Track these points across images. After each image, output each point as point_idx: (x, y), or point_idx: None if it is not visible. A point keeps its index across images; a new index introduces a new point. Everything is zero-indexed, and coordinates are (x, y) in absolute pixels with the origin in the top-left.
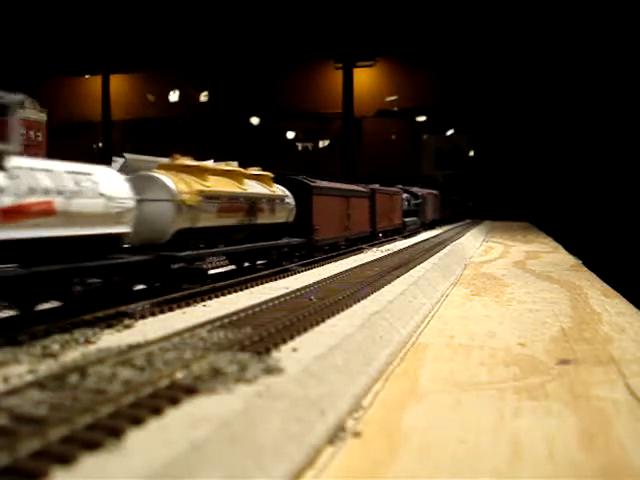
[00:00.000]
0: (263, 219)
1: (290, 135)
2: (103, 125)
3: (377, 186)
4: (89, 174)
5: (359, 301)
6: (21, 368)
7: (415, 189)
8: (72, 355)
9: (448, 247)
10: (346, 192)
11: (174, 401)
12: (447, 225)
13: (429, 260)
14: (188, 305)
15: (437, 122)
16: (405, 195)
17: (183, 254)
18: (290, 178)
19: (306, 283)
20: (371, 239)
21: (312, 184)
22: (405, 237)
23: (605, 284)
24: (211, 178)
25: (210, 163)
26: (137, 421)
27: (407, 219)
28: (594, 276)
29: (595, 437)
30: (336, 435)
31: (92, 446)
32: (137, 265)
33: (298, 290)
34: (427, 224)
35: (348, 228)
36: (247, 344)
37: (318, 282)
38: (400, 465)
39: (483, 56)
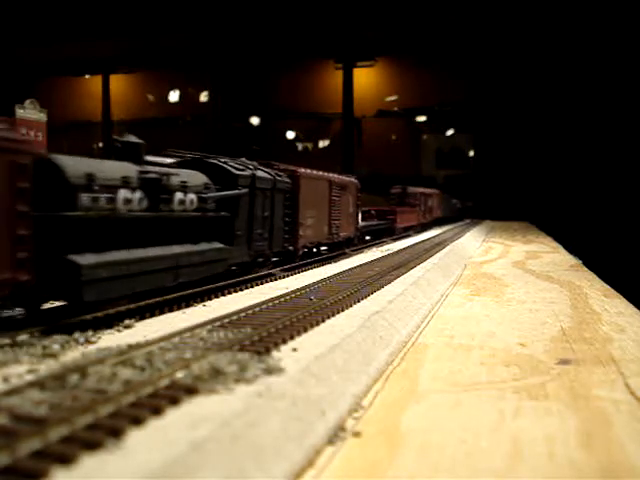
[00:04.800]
0: None
1: (290, 135)
2: (103, 125)
3: None
4: None
5: (359, 301)
6: (21, 368)
7: (236, 160)
8: (72, 355)
9: (448, 247)
10: None
11: (174, 401)
12: (446, 225)
13: (429, 260)
14: (188, 305)
15: (437, 122)
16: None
17: None
18: None
19: (306, 283)
20: None
21: None
22: (403, 237)
23: (605, 284)
24: None
25: None
26: (137, 421)
27: (101, 258)
28: (594, 276)
29: (595, 437)
30: (336, 435)
31: (92, 446)
32: None
33: (298, 290)
34: (267, 260)
35: None
36: (247, 344)
37: (318, 282)
38: (400, 465)
39: (484, 56)
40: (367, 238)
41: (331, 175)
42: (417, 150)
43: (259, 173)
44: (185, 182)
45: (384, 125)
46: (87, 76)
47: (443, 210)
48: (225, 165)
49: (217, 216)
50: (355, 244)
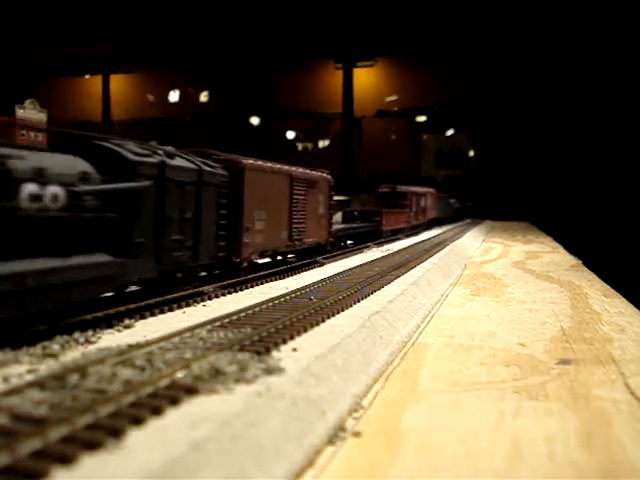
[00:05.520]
0: None
1: (290, 135)
2: (103, 125)
3: None
4: None
5: (359, 301)
6: (21, 368)
7: None
8: (72, 355)
9: (448, 247)
10: None
11: (174, 401)
12: (446, 225)
13: (429, 260)
14: (188, 305)
15: (437, 122)
16: None
17: None
18: None
19: (306, 283)
20: None
21: None
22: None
23: (605, 284)
24: None
25: None
26: (137, 421)
27: None
28: (594, 276)
29: (595, 437)
30: (336, 435)
31: (92, 446)
32: None
33: (298, 290)
34: None
35: None
36: (247, 344)
37: (318, 282)
38: (400, 465)
39: (484, 56)
40: (349, 242)
41: (293, 169)
42: (417, 150)
43: (174, 161)
44: (43, 169)
45: (384, 125)
46: (87, 76)
47: (439, 210)
48: (119, 149)
49: (100, 217)
50: (328, 251)
